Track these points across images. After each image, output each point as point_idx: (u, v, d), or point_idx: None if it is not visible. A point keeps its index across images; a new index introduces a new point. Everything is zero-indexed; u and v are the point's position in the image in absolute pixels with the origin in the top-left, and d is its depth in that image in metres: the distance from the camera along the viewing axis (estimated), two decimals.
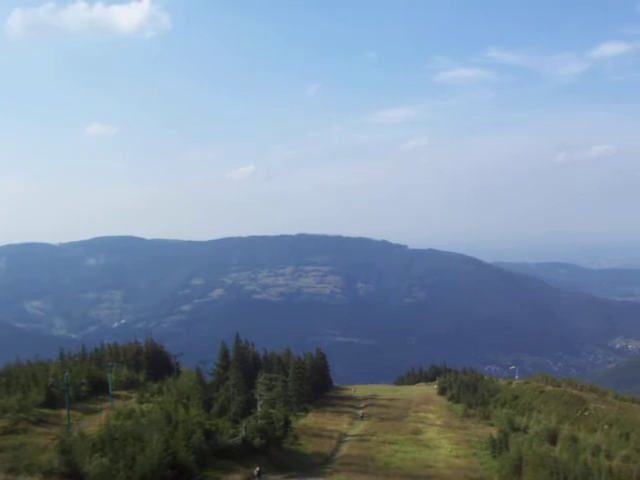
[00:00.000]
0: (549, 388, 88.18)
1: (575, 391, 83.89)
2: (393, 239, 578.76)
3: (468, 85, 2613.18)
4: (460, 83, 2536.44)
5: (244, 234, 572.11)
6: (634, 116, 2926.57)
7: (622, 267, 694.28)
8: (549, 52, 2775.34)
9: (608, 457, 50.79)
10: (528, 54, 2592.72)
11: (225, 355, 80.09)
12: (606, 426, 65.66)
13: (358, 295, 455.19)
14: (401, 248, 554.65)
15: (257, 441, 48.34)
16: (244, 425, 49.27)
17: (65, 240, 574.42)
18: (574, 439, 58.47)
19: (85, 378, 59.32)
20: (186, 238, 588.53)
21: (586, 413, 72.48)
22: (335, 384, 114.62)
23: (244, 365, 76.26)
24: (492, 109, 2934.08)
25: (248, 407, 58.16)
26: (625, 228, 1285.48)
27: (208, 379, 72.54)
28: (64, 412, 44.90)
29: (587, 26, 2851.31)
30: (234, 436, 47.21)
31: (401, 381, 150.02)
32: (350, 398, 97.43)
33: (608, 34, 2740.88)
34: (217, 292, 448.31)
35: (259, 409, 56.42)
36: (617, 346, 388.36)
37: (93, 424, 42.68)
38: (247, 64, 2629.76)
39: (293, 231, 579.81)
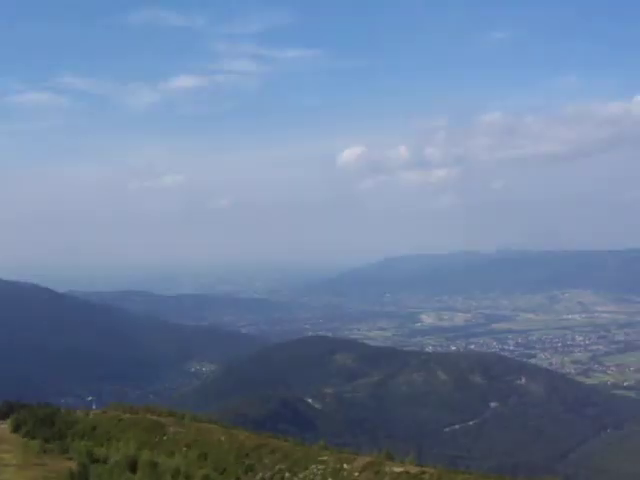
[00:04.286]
0: (127, 416, 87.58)
1: (154, 417, 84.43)
2: None
3: (39, 110, 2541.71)
4: (31, 107, 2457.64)
5: None
6: (203, 147, 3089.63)
7: (194, 292, 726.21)
8: (122, 81, 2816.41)
9: (187, 478, 51.67)
10: (101, 82, 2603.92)
11: None
12: (185, 448, 66.94)
13: None
14: None
15: None
16: None
17: None
18: (154, 464, 58.56)
19: None
20: None
21: (165, 437, 73.18)
22: None
23: None
24: (65, 135, 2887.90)
25: None
26: (195, 255, 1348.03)
27: None
28: None
29: (160, 58, 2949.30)
30: None
31: None
32: None
33: (181, 67, 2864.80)
34: None
35: None
36: (192, 369, 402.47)
37: None
38: None
39: None
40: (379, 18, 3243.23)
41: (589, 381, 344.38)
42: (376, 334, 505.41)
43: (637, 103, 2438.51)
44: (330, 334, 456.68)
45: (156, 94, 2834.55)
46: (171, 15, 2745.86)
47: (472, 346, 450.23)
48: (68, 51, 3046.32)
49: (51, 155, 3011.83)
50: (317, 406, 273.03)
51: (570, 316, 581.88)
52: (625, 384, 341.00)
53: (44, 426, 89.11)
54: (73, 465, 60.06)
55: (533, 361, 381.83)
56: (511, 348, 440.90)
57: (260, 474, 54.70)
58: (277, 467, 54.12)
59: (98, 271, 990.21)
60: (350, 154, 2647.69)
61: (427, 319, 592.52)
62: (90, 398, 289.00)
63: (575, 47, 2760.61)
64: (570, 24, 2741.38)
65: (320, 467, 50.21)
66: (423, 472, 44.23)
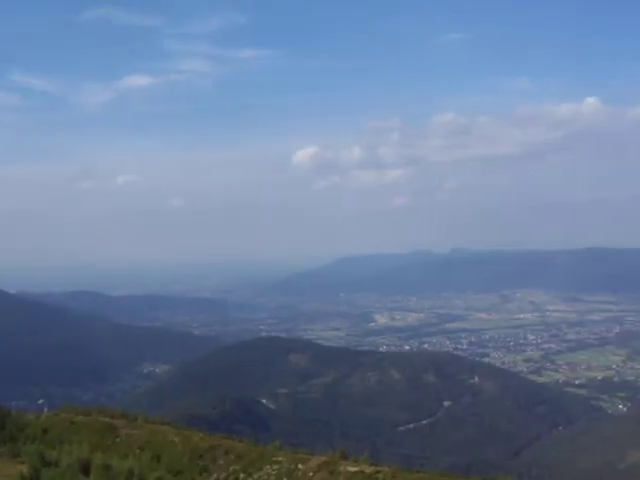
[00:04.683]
0: (80, 418, 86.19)
1: (106, 418, 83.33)
2: None
3: None
4: None
5: None
6: (157, 147, 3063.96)
7: (148, 293, 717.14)
8: (75, 80, 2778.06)
9: None
10: (54, 80, 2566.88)
11: None
12: (138, 450, 66.18)
13: None
14: None
15: None
16: None
17: None
18: (107, 467, 57.66)
19: None
20: None
21: (118, 439, 72.15)
22: None
23: None
24: (16, 134, 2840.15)
25: None
26: (148, 254, 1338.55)
27: None
28: None
29: (114, 57, 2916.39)
30: None
31: None
32: None
33: (134, 66, 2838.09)
34: None
35: None
36: (145, 371, 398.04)
37: None
38: None
39: None
40: (333, 19, 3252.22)
41: (541, 379, 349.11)
42: (330, 334, 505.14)
43: (588, 105, 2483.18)
44: (284, 334, 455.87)
45: (109, 93, 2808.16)
46: (124, 14, 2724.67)
47: (426, 345, 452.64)
48: (20, 49, 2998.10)
49: (1, 155, 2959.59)
50: (271, 406, 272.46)
51: (522, 315, 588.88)
52: (576, 382, 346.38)
53: None
54: (25, 469, 59.04)
55: (486, 360, 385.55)
56: (464, 347, 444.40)
57: (214, 475, 54.30)
58: (231, 468, 53.80)
59: (50, 272, 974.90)
60: (304, 154, 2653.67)
61: (381, 319, 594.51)
62: (41, 401, 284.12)
63: (527, 49, 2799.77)
64: (522, 27, 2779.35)
65: (274, 467, 50.00)
66: (378, 471, 44.28)
